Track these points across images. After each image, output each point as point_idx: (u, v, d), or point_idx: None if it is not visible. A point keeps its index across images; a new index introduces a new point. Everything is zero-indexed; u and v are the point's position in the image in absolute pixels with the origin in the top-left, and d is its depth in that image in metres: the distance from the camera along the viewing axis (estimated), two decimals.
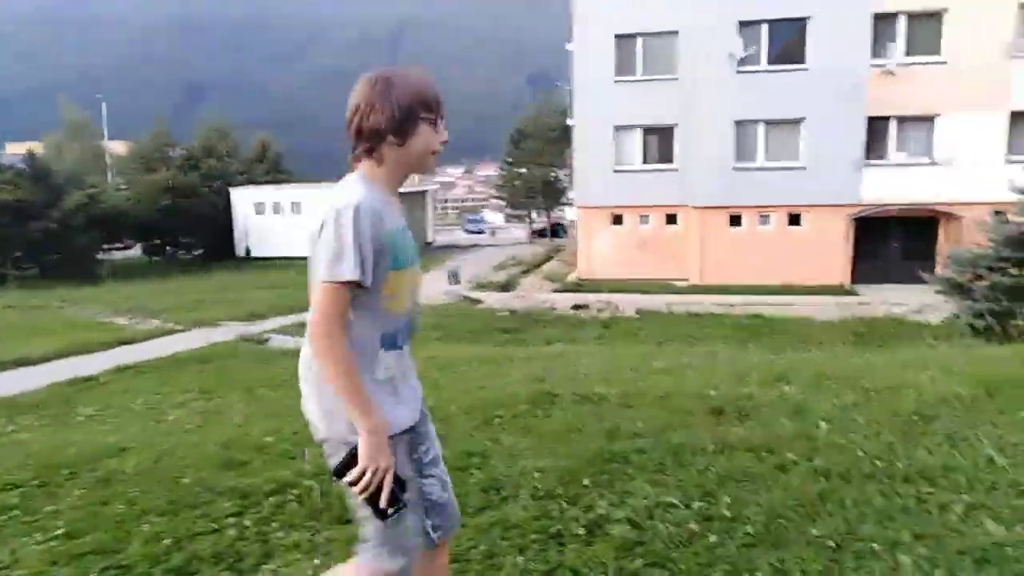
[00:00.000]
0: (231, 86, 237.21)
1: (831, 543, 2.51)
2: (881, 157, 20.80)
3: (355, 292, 1.69)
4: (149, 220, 32.92)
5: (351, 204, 1.67)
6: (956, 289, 10.40)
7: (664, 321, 16.29)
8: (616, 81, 22.12)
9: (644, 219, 23.10)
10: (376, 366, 1.78)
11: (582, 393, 4.78)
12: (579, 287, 22.23)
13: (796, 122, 20.82)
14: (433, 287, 20.36)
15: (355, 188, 1.73)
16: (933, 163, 20.25)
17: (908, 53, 20.11)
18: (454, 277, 23.00)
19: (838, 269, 20.97)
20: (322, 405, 1.76)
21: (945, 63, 19.70)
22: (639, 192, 22.62)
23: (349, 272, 1.65)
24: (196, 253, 35.97)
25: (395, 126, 1.74)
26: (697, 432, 3.71)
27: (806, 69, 20.40)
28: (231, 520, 3.00)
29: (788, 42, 20.50)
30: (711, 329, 15.13)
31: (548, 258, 31.85)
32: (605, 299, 18.36)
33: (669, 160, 22.82)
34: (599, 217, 23.31)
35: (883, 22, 20.07)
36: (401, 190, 1.90)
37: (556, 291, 21.87)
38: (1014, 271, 9.55)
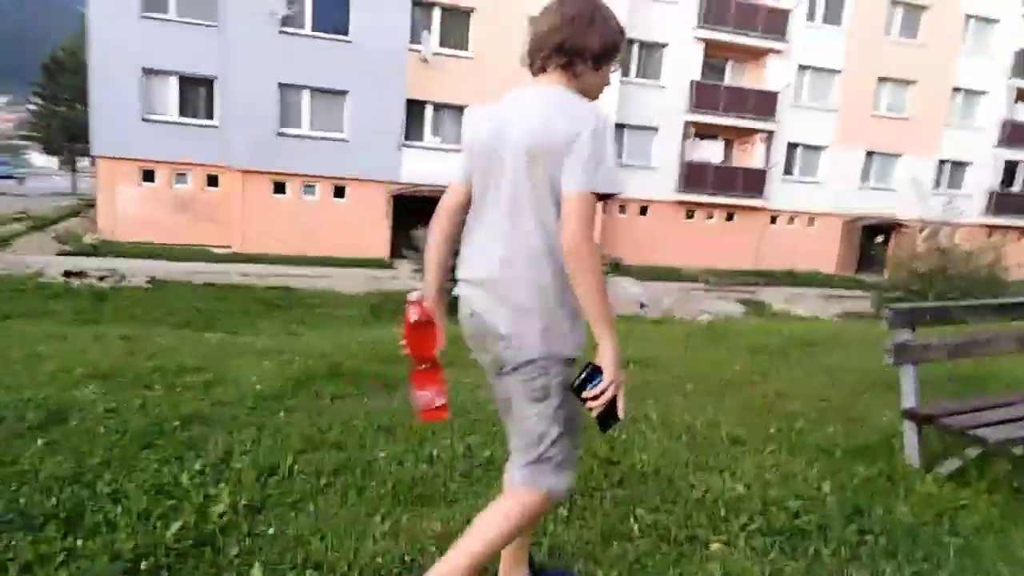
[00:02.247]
0: None
1: None
2: (419, 139, 22.10)
3: None
4: None
5: (603, 117, 1.73)
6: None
7: (178, 293, 14.75)
8: (143, 16, 19.33)
9: (181, 178, 20.86)
10: None
11: None
12: (95, 250, 19.12)
13: (341, 94, 20.82)
14: None
15: (583, 101, 1.79)
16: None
17: (442, 44, 21.60)
18: None
19: (378, 244, 21.75)
20: (544, 322, 1.77)
21: (472, 58, 21.64)
22: (175, 147, 20.27)
23: (615, 187, 1.72)
24: None
25: (600, 54, 1.83)
26: None
27: (350, 42, 20.47)
28: None
29: (334, 12, 20.30)
30: (227, 303, 14.14)
31: (74, 213, 27.10)
32: (111, 266, 15.96)
33: (210, 116, 20.94)
34: (125, 170, 20.30)
35: (421, 10, 21.17)
36: None
37: (64, 253, 18.49)
38: None
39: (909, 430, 3.40)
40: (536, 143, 1.74)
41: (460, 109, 21.95)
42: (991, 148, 28.27)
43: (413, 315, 1.91)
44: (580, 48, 1.81)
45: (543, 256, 1.78)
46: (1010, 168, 28.98)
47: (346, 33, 20.45)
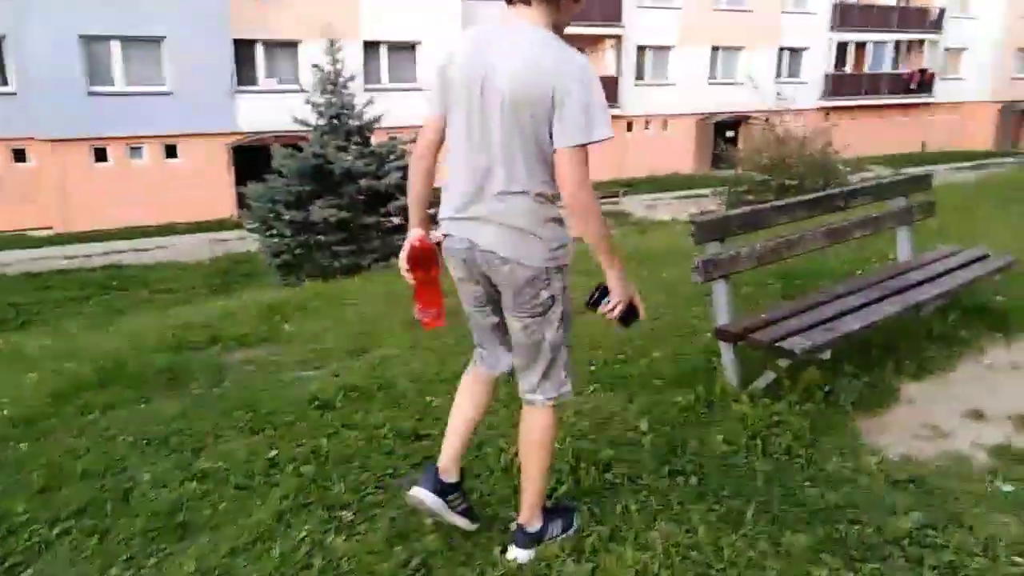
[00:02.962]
0: None
1: None
2: (253, 83, 20.42)
3: None
4: None
5: (588, 66, 1.84)
6: (263, 225, 10.42)
7: None
8: None
9: None
10: None
11: None
12: None
13: (156, 40, 18.76)
14: None
15: (563, 44, 1.85)
16: (303, 90, 20.70)
17: None
18: None
19: (224, 202, 20.20)
20: (540, 241, 1.97)
21: None
22: None
23: (608, 131, 1.83)
24: None
25: None
26: None
27: None
28: None
29: None
30: (50, 292, 12.72)
31: None
32: None
33: (4, 82, 18.39)
34: None
35: None
36: None
37: None
38: (322, 205, 9.87)
39: (725, 349, 3.24)
40: (525, 94, 1.84)
41: (295, 45, 20.38)
42: (825, 32, 29.44)
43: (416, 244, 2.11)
44: None
45: (533, 190, 1.94)
46: (842, 49, 30.37)
47: None
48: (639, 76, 26.42)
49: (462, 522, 2.29)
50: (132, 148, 19.18)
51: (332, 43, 10.57)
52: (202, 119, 19.39)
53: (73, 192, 18.47)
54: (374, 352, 4.25)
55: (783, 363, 3.05)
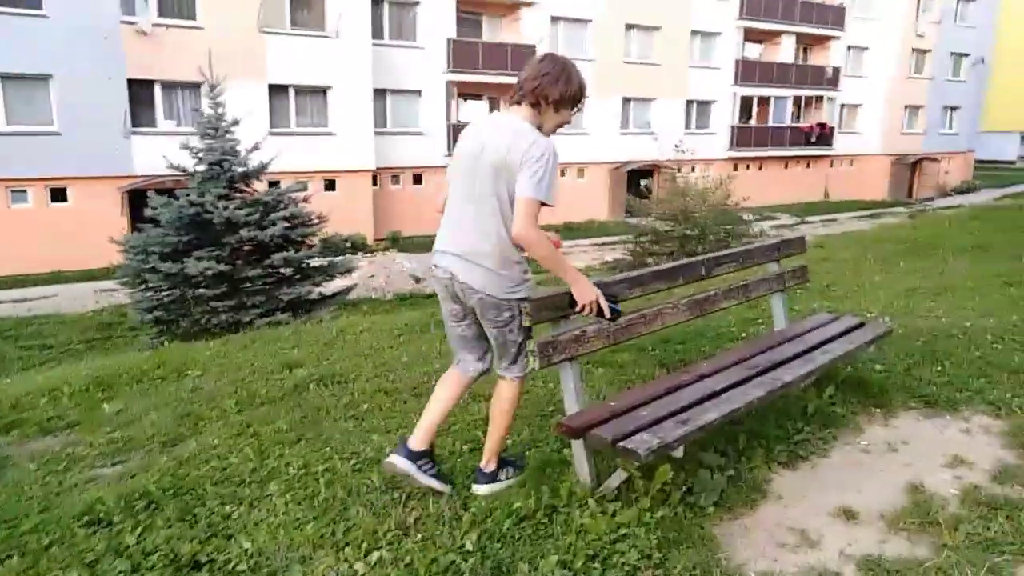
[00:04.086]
0: None
1: None
2: (151, 124, 19.45)
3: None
4: None
5: (551, 147, 2.53)
6: (137, 279, 9.59)
7: None
8: None
9: None
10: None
11: None
12: None
13: (42, 79, 17.67)
14: None
15: (537, 134, 2.57)
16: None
17: (162, 14, 19.00)
18: None
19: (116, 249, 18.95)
20: (503, 278, 2.62)
21: (202, 28, 19.29)
22: None
23: (552, 198, 2.52)
24: None
25: (559, 102, 2.60)
26: None
27: (46, 16, 17.31)
28: None
29: None
30: None
31: None
32: None
33: None
34: None
35: None
36: None
37: None
38: (200, 256, 9.13)
39: (576, 444, 2.82)
40: (500, 161, 2.55)
41: (196, 87, 19.56)
42: (730, 86, 30.61)
43: None
44: (545, 95, 2.59)
45: (501, 238, 2.59)
46: (747, 103, 31.60)
47: (39, 7, 17.24)
48: None
49: (436, 484, 2.84)
50: (14, 191, 17.85)
51: (213, 86, 9.96)
52: (93, 161, 18.30)
53: None
54: (191, 442, 3.65)
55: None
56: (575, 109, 2.67)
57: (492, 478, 2.89)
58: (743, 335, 5.12)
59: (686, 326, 4.78)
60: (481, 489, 2.85)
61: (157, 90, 19.49)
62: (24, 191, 18.02)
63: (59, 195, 18.42)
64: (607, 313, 2.65)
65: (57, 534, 2.71)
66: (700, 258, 3.40)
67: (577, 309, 2.67)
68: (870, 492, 2.92)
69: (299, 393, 4.35)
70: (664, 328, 3.38)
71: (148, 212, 9.61)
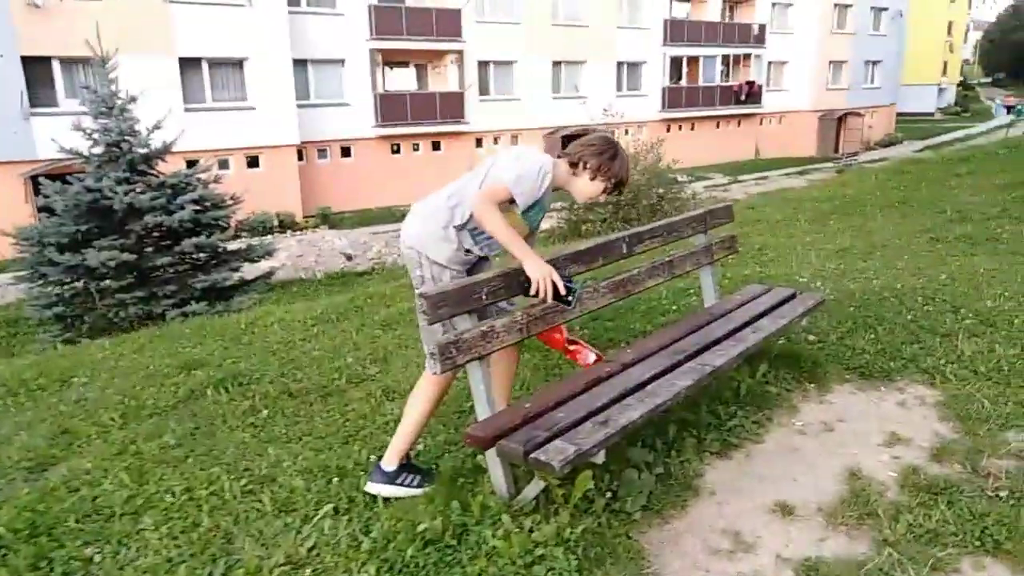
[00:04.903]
0: None
1: None
2: (52, 105, 18.13)
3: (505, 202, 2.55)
4: None
5: (549, 166, 2.61)
6: (35, 272, 8.83)
7: None
8: None
9: None
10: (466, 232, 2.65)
11: None
12: None
13: None
14: None
15: (552, 164, 2.64)
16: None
17: None
18: None
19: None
20: (424, 230, 2.64)
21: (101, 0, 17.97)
22: None
23: (518, 195, 2.54)
24: None
25: (598, 172, 2.65)
26: None
27: None
28: None
29: None
30: None
31: None
32: None
33: None
34: None
35: None
36: None
37: None
38: (102, 246, 8.43)
39: (489, 453, 2.52)
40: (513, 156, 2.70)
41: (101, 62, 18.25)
42: (659, 47, 30.47)
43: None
44: (584, 161, 2.68)
45: (451, 200, 2.65)
46: (676, 63, 31.56)
47: None
48: (484, 92, 26.09)
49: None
50: None
51: (104, 60, 9.15)
52: None
53: None
54: (62, 466, 3.22)
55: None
56: (608, 189, 2.67)
57: (390, 479, 2.69)
58: (675, 308, 4.91)
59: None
60: (372, 488, 2.68)
61: (56, 67, 18.19)
62: None
63: None
64: (562, 290, 2.51)
65: None
66: (621, 235, 3.11)
67: (532, 292, 2.51)
68: (807, 482, 2.73)
69: (194, 400, 3.94)
70: (585, 314, 3.10)
71: (40, 201, 8.83)
